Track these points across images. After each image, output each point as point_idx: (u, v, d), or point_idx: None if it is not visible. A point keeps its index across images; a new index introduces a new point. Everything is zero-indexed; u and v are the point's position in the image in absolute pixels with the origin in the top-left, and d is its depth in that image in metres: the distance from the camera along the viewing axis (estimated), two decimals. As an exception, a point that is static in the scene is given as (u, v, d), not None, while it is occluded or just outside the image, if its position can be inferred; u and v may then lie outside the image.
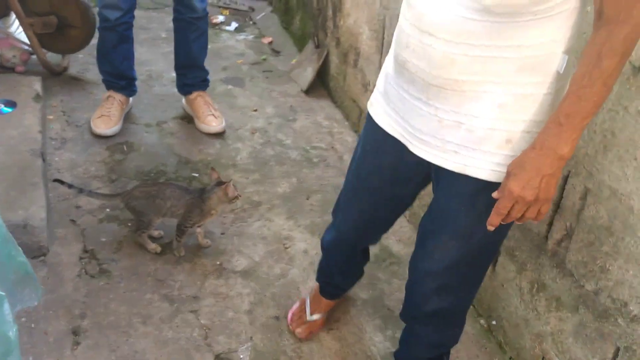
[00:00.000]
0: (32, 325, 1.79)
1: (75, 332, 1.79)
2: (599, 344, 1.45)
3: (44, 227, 2.02)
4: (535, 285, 1.67)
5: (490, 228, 1.15)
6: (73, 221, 2.19)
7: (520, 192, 1.08)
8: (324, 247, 1.75)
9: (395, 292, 2.06)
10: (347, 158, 2.73)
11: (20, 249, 1.46)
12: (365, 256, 1.80)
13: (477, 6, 1.01)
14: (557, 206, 1.55)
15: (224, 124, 2.82)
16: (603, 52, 0.97)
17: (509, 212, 1.11)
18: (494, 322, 1.90)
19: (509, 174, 1.10)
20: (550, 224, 1.59)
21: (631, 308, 1.35)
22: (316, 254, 2.18)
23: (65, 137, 2.63)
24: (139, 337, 1.80)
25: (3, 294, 1.28)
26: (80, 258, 2.05)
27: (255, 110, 3.07)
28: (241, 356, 1.78)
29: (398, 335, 1.72)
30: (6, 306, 1.27)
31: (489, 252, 1.35)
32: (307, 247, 2.22)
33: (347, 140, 2.89)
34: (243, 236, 2.24)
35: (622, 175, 1.34)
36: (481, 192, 1.18)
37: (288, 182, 2.56)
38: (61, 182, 2.15)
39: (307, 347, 1.83)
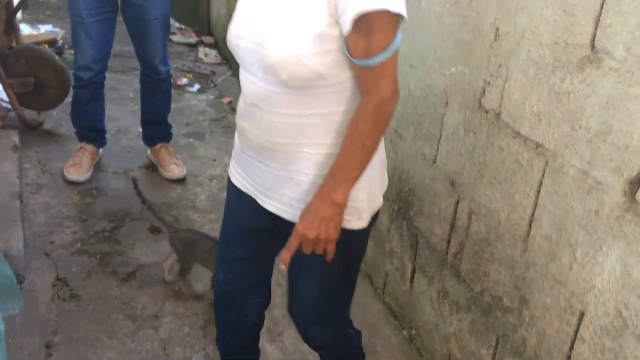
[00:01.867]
0: (9, 341, 2.03)
1: (47, 346, 2.04)
2: (486, 336, 1.79)
3: (21, 257, 2.30)
4: (441, 294, 2.01)
5: (282, 266, 1.34)
6: (47, 254, 2.47)
7: (303, 231, 1.27)
8: (215, 309, 1.73)
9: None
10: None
11: (7, 263, 1.75)
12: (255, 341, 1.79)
13: (278, 81, 1.23)
14: (452, 226, 1.92)
15: (185, 171, 3.15)
16: (359, 117, 1.20)
17: (301, 247, 1.30)
18: (413, 332, 2.22)
19: (299, 217, 1.29)
20: (449, 241, 1.95)
21: (504, 301, 1.70)
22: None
23: (40, 183, 2.93)
24: (105, 350, 2.06)
25: (-6, 296, 1.57)
26: (53, 285, 2.32)
27: (214, 160, 3.41)
28: (195, 363, 2.06)
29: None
30: (-3, 306, 1.55)
31: (345, 288, 1.53)
32: (256, 275, 2.52)
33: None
34: (199, 266, 2.53)
35: (492, 197, 1.71)
36: None
37: (241, 221, 2.89)
38: (135, 183, 2.57)
39: (252, 356, 2.12)
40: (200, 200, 3.02)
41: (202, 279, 2.45)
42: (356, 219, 1.35)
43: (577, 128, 1.39)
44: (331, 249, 1.30)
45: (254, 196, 1.42)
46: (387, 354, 2.21)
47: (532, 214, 1.57)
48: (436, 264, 2.03)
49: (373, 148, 1.22)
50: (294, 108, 1.25)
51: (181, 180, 3.13)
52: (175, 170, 3.12)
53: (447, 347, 2.00)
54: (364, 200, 1.34)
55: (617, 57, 1.27)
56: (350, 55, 1.17)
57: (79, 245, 2.55)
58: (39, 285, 2.30)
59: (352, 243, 1.40)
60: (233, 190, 1.50)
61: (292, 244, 1.30)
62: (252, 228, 1.50)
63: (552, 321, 1.51)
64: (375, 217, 1.43)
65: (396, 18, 1.15)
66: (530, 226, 1.58)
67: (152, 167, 3.21)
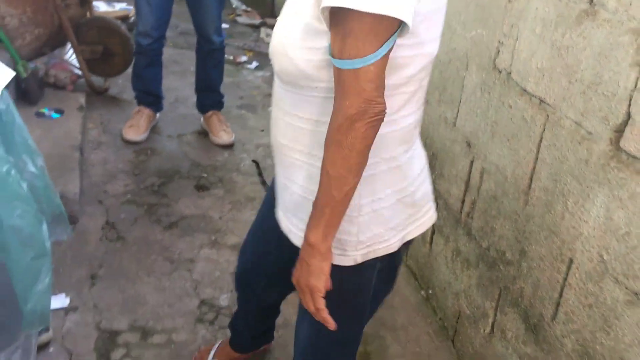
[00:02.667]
0: (60, 270, 2.27)
1: (92, 277, 2.27)
2: (490, 290, 1.86)
3: (77, 200, 2.54)
4: (455, 253, 2.09)
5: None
6: (100, 201, 2.71)
7: (294, 273, 1.13)
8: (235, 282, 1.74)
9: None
10: (335, 170, 3.21)
11: (57, 193, 1.96)
12: (274, 313, 1.79)
13: (275, 73, 1.14)
14: (467, 185, 1.99)
15: (233, 138, 3.33)
16: (325, 141, 1.01)
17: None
18: (430, 292, 2.30)
19: None
20: (463, 201, 2.02)
21: (507, 255, 1.76)
22: (295, 238, 2.64)
23: (101, 141, 3.19)
24: (143, 284, 2.27)
25: (43, 217, 1.78)
26: (103, 228, 2.55)
27: (262, 131, 3.58)
28: (222, 302, 2.23)
29: None
30: (44, 225, 1.76)
31: (336, 342, 1.33)
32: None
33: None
34: (236, 221, 2.71)
35: (501, 154, 1.78)
36: None
37: (280, 184, 3.05)
38: (257, 165, 2.62)
39: (275, 301, 2.27)
40: (245, 164, 3.19)
41: (235, 230, 2.62)
42: (339, 253, 1.16)
43: (573, 81, 1.44)
44: (318, 302, 1.10)
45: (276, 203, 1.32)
46: (403, 311, 2.30)
47: (534, 168, 1.62)
48: (452, 223, 2.10)
49: (343, 180, 1.00)
50: (290, 106, 1.13)
51: (229, 146, 3.31)
52: (224, 136, 3.30)
53: (457, 303, 2.07)
54: (351, 234, 1.15)
55: (609, 8, 1.32)
56: (330, 54, 0.99)
57: (129, 196, 2.78)
58: (91, 227, 2.54)
59: (339, 282, 1.17)
60: (271, 188, 1.41)
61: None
62: (277, 230, 1.32)
63: (545, 270, 1.57)
64: (378, 263, 1.22)
65: (381, 22, 0.93)
66: (531, 180, 1.63)
67: (204, 133, 3.42)
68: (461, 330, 2.05)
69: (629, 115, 1.27)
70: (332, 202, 1.02)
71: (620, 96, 1.29)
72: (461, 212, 2.03)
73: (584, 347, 1.42)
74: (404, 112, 1.08)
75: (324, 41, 1.01)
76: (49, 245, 1.76)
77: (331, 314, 1.15)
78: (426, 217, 1.28)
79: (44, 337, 1.93)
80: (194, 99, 3.53)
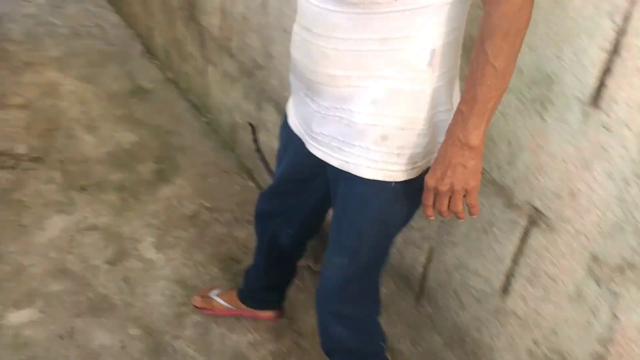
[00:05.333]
0: None
1: None
2: (252, 95, 2.29)
3: None
4: (223, 75, 2.47)
5: (431, 218, 1.14)
6: None
7: (434, 183, 1.07)
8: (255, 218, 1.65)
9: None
10: (110, 30, 3.37)
11: None
12: (285, 269, 1.73)
13: None
14: (222, 13, 2.34)
15: (-4, 10, 3.28)
16: (483, 34, 0.95)
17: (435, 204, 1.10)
18: (210, 116, 2.69)
19: (430, 168, 1.10)
20: (221, 27, 2.38)
21: (258, 61, 2.18)
22: (84, 92, 2.82)
23: None
24: None
25: None
26: None
27: (30, 2, 3.54)
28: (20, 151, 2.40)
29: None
30: None
31: (377, 264, 1.32)
32: (75, 89, 2.84)
33: (109, 19, 3.50)
34: (19, 85, 2.80)
35: None
36: (368, 192, 1.17)
37: (58, 49, 3.14)
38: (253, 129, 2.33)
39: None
40: (15, 34, 3.19)
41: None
42: (410, 168, 1.14)
43: None
44: (473, 200, 1.08)
45: (304, 140, 1.25)
46: (189, 136, 2.68)
47: (267, -16, 2.01)
48: (218, 49, 2.47)
49: (507, 71, 0.98)
50: (352, 32, 1.04)
51: (-5, 18, 3.26)
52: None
53: (231, 117, 2.50)
54: (420, 146, 1.12)
55: None
56: None
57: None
58: None
59: (395, 199, 1.18)
60: (285, 128, 1.34)
61: (424, 198, 1.10)
62: (300, 177, 1.39)
63: (284, 63, 2.02)
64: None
65: None
66: (267, -6, 2.03)
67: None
68: (237, 139, 2.49)
69: None
70: (496, 96, 0.99)
71: None
72: (223, 38, 2.40)
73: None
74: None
75: None
76: None
77: (377, 242, 1.25)
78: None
79: None
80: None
